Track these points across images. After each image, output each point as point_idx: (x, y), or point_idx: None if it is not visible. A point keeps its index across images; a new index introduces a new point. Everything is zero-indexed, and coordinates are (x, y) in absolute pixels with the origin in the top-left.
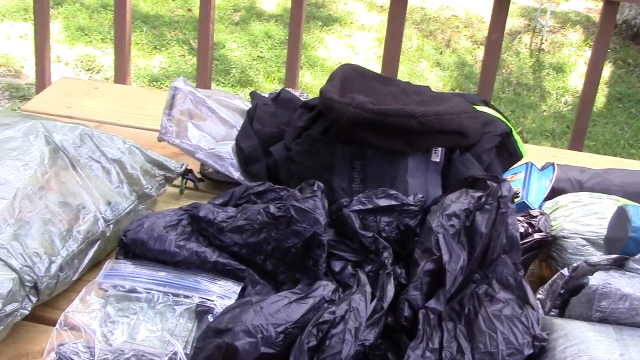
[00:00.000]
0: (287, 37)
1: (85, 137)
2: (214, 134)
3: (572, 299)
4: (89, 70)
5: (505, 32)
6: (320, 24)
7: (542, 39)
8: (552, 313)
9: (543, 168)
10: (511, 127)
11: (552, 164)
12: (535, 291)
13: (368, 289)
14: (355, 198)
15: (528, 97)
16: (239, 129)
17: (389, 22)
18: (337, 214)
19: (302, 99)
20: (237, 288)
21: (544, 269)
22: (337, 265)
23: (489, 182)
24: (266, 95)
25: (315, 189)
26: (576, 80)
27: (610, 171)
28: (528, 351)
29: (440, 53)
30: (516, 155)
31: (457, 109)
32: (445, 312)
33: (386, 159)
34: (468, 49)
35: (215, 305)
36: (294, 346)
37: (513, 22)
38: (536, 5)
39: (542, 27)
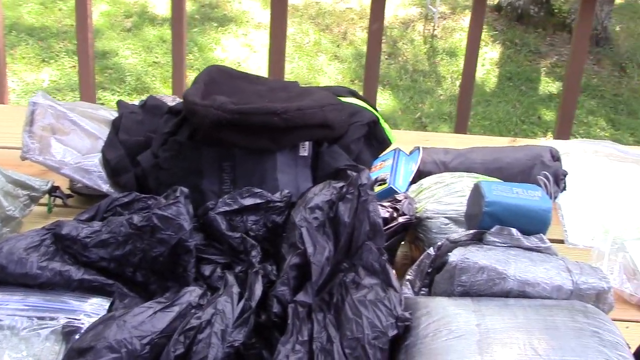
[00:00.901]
0: (171, 39)
1: None
2: (79, 147)
3: (436, 276)
4: None
5: (399, 20)
6: (215, 24)
7: (434, 26)
8: (423, 292)
9: (411, 153)
10: (378, 115)
11: (418, 148)
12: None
13: (235, 289)
14: (221, 200)
15: (425, 82)
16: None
17: (272, 19)
18: (204, 217)
19: (172, 105)
20: (106, 304)
21: (413, 251)
22: (207, 270)
23: (349, 172)
24: (136, 104)
25: (178, 194)
26: None
27: (473, 150)
28: (392, 332)
29: (338, 46)
30: (384, 143)
31: (321, 103)
32: (316, 304)
33: (254, 158)
34: (364, 40)
35: (83, 324)
36: (161, 356)
37: (406, 11)
38: None
39: (434, 14)
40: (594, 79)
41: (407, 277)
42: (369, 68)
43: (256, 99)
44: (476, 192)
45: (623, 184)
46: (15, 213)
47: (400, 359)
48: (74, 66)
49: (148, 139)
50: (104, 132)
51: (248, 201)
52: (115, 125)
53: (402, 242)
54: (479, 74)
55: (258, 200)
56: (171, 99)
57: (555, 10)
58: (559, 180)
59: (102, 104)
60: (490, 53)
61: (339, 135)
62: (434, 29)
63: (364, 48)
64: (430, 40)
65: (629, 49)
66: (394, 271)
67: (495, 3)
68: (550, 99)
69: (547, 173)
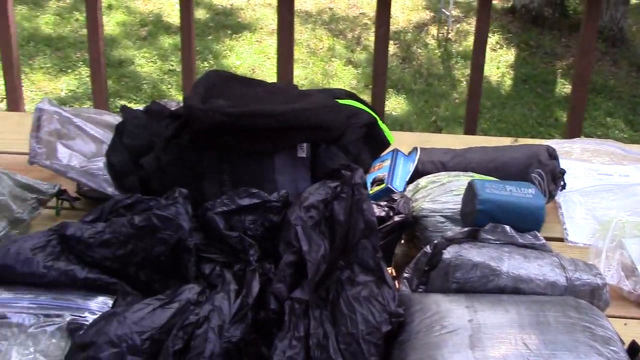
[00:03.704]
0: (181, 48)
1: None
2: (84, 151)
3: (431, 273)
4: None
5: (412, 25)
6: (229, 32)
7: (448, 29)
8: (420, 290)
9: (409, 153)
10: (376, 116)
11: (416, 149)
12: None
13: (232, 287)
14: (219, 200)
15: (439, 86)
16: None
17: (279, 26)
18: (203, 217)
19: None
20: (110, 302)
21: (411, 249)
22: (207, 268)
23: (343, 171)
24: (140, 109)
25: (177, 195)
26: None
27: (470, 150)
28: (386, 328)
29: (352, 51)
30: (383, 144)
31: (317, 105)
32: (313, 300)
33: (253, 160)
34: None
35: (87, 321)
36: (161, 352)
37: (419, 15)
38: None
39: (447, 17)
40: (611, 80)
41: (405, 275)
42: (377, 72)
43: (254, 102)
44: (470, 190)
45: (623, 182)
46: (24, 215)
47: (394, 354)
48: (90, 75)
49: (151, 143)
50: (108, 136)
51: (245, 201)
52: (119, 130)
53: (402, 241)
54: (495, 76)
55: (255, 200)
56: (175, 104)
57: (570, 12)
58: (556, 178)
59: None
60: (505, 56)
61: (336, 137)
62: (448, 33)
63: None
64: (444, 43)
65: None
66: (388, 268)
67: (510, 6)
68: (567, 101)
69: (540, 171)
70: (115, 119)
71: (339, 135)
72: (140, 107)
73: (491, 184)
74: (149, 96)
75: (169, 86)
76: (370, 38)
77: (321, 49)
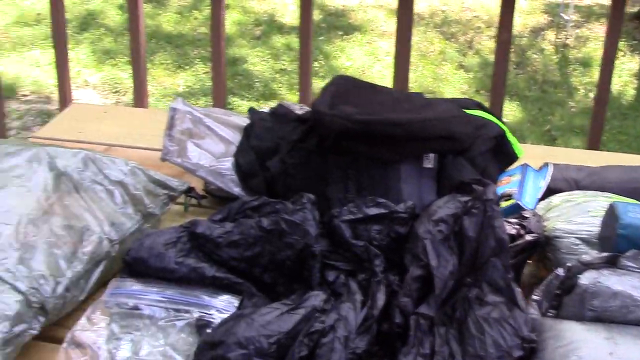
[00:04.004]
0: (298, 48)
1: (88, 161)
2: (213, 151)
3: (565, 298)
4: (115, 92)
5: (528, 29)
6: (340, 33)
7: (566, 34)
8: (550, 314)
9: (540, 169)
10: (505, 128)
11: (547, 164)
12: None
13: (358, 297)
14: (345, 208)
15: (555, 94)
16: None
17: (397, 30)
18: (329, 224)
19: (300, 113)
20: (236, 301)
21: (541, 270)
22: (331, 275)
23: (475, 186)
24: (266, 111)
25: (305, 201)
26: None
27: (607, 168)
28: (517, 353)
29: (464, 55)
30: (511, 157)
31: (446, 114)
32: (438, 317)
33: (378, 168)
34: (491, 49)
35: (214, 319)
36: (286, 357)
37: (536, 19)
38: (559, 0)
39: (566, 22)
40: None
41: (534, 297)
42: (496, 79)
43: (380, 110)
44: (611, 213)
45: None
46: (156, 210)
47: None
48: (206, 72)
49: (277, 145)
50: (236, 137)
51: (372, 211)
52: (247, 132)
53: (529, 261)
54: (616, 85)
55: (382, 210)
56: (298, 107)
57: None
58: None
59: (232, 108)
60: (629, 64)
61: (464, 148)
62: (566, 38)
63: (491, 57)
64: (562, 49)
65: None
66: (519, 290)
67: (636, 11)
68: None
69: None
70: (243, 120)
71: (467, 146)
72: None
73: (635, 207)
74: (261, 94)
75: (280, 85)
76: (483, 42)
77: (432, 52)
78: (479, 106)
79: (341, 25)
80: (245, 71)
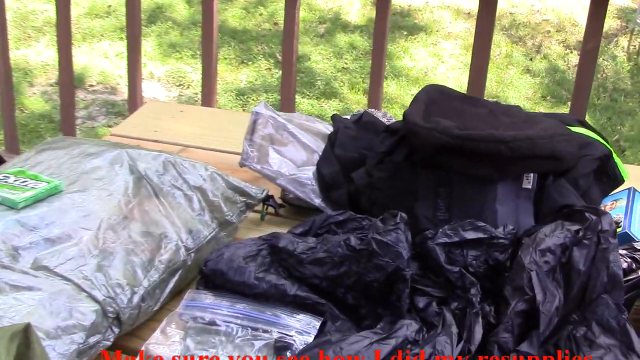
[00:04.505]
0: (372, 49)
1: (168, 164)
2: (295, 159)
3: None
4: (179, 85)
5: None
6: (405, 33)
7: None
8: None
9: None
10: (611, 149)
11: None
12: None
13: (454, 329)
14: (441, 230)
15: (626, 103)
16: (320, 154)
17: (476, 34)
18: (421, 246)
19: (384, 121)
20: (317, 323)
21: None
22: (421, 302)
23: (587, 214)
24: (348, 118)
25: (398, 220)
26: None
27: None
28: None
29: (530, 59)
30: (617, 180)
31: (550, 132)
32: (540, 356)
33: (473, 186)
34: (560, 54)
35: (294, 341)
36: None
37: (609, 24)
38: (634, 6)
39: None
40: None
41: None
42: (578, 90)
43: (479, 124)
44: None
45: None
46: (233, 218)
47: None
48: (269, 68)
49: (362, 155)
50: (319, 145)
51: (470, 234)
52: (331, 140)
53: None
54: None
55: (481, 235)
56: (381, 114)
57: None
58: None
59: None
60: None
61: (567, 169)
62: None
63: (559, 63)
64: (636, 57)
65: None
66: (635, 333)
67: None
68: None
69: None
70: (327, 128)
71: (570, 167)
72: (313, 103)
73: None
74: (322, 92)
75: (342, 84)
76: (551, 47)
77: (498, 55)
78: (581, 123)
79: (406, 25)
80: (308, 69)
